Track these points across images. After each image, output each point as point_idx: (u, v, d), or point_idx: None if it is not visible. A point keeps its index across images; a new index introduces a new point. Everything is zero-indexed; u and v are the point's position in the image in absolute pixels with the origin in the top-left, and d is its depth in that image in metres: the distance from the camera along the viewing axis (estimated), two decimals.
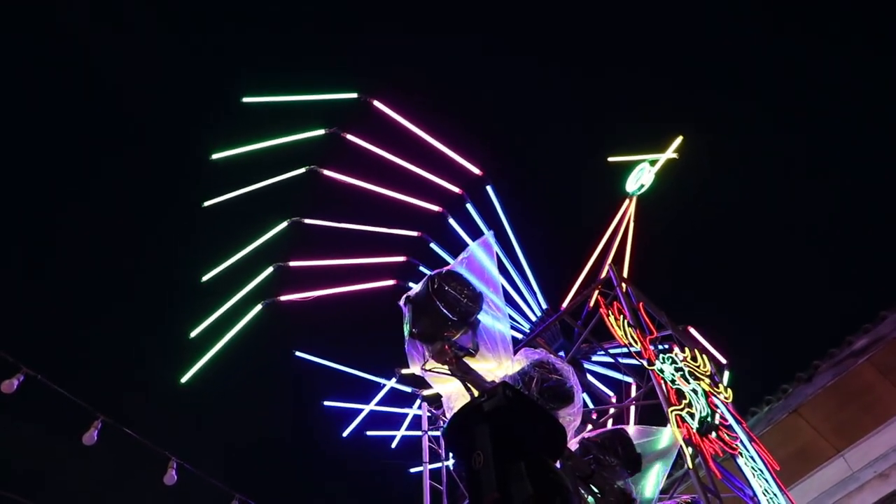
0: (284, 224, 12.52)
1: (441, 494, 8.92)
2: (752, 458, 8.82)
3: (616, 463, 5.80)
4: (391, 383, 12.13)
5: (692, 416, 8.31)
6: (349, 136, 12.74)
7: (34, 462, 19.56)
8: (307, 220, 12.57)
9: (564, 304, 13.12)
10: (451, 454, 8.07)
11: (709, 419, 8.49)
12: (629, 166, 14.15)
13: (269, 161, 12.74)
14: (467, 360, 5.17)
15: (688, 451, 7.91)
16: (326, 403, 12.69)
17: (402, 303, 5.17)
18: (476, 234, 12.25)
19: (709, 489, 7.90)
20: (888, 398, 11.46)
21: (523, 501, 3.92)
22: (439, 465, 9.11)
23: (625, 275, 12.90)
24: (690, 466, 7.91)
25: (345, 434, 12.42)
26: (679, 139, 14.14)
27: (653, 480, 7.01)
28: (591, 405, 11.66)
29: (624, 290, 9.83)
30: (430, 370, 5.02)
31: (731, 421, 9.04)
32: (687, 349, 9.62)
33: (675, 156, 14.06)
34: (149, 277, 24.49)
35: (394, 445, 12.35)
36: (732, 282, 23.86)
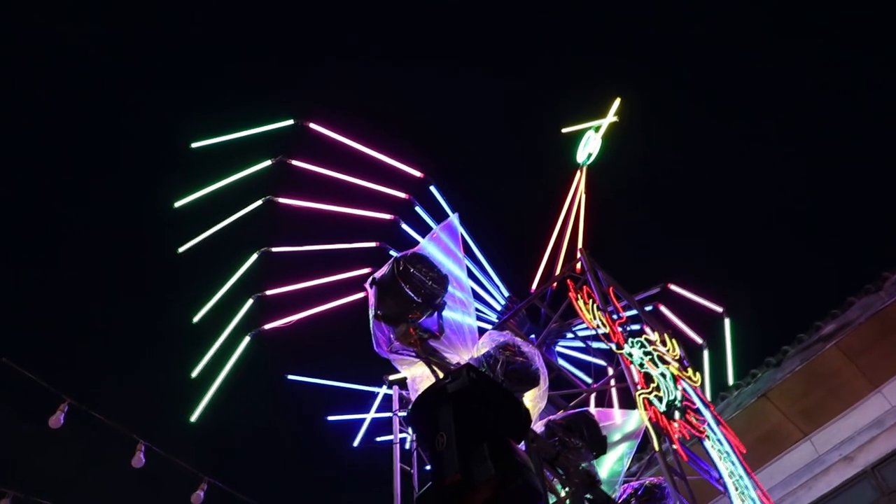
0: (255, 256, 12.96)
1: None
2: (719, 441, 8.91)
3: (581, 445, 5.83)
4: (383, 390, 12.38)
5: (660, 399, 8.36)
6: (295, 162, 13.25)
7: (2, 447, 19.47)
8: (274, 249, 13.04)
9: (533, 288, 13.22)
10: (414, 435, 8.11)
11: (676, 402, 8.55)
12: (576, 139, 14.65)
13: (230, 197, 13.29)
14: (434, 343, 5.16)
15: (654, 433, 7.97)
16: (330, 419, 13.09)
17: (367, 284, 5.14)
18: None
19: (675, 471, 7.96)
20: (854, 383, 11.62)
21: (485, 482, 3.94)
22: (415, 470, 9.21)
23: (580, 245, 13.22)
24: (657, 449, 7.97)
25: (355, 444, 12.77)
26: (617, 101, 14.56)
27: (619, 462, 7.07)
28: (583, 383, 11.75)
29: (594, 275, 9.85)
30: (395, 352, 5.01)
31: (698, 404, 9.11)
32: (657, 333, 9.68)
33: (615, 119, 14.49)
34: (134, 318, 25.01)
35: (408, 446, 12.74)
36: (698, 267, 24.07)
